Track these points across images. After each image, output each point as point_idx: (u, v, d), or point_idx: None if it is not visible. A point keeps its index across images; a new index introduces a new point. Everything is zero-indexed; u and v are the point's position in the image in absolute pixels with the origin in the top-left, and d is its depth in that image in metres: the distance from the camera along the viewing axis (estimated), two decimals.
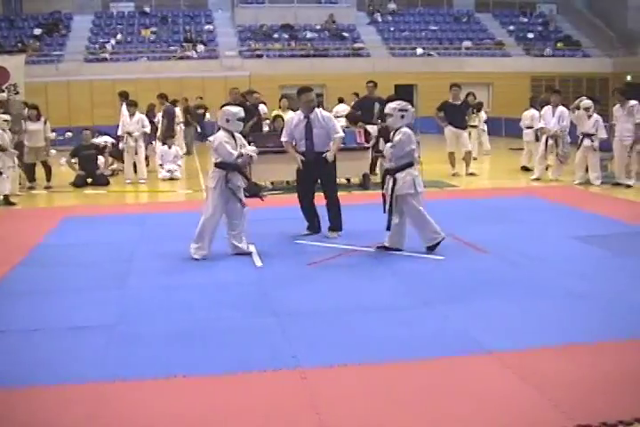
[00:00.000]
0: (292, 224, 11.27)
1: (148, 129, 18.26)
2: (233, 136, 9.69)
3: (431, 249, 9.58)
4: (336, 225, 10.97)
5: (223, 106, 10.49)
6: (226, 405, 5.14)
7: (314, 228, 11.08)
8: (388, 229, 9.59)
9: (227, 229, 9.81)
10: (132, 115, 18.01)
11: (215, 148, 9.56)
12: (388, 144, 9.61)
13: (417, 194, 9.47)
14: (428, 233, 9.58)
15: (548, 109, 17.04)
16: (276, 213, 12.65)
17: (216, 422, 4.91)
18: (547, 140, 16.93)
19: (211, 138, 9.87)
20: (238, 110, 9.71)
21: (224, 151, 9.48)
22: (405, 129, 9.56)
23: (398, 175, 9.46)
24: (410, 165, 9.56)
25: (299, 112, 10.99)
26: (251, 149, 9.91)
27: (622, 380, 5.41)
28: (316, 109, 10.90)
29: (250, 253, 9.69)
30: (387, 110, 9.72)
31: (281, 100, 19.18)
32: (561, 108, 16.86)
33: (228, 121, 9.59)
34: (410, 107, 9.85)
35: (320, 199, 11.05)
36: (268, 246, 10.20)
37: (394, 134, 9.59)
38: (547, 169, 17.41)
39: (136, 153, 17.97)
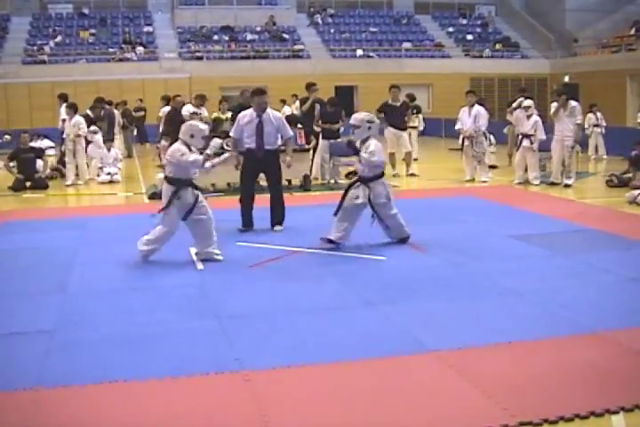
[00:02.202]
0: (233, 226, 11.25)
1: (82, 132, 18.09)
2: (190, 149, 9.32)
3: (403, 241, 10.19)
4: (282, 219, 11.39)
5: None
6: (169, 408, 5.10)
7: (250, 223, 11.41)
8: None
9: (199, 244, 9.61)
10: (70, 118, 17.90)
11: (175, 162, 9.22)
12: (365, 155, 9.79)
13: (389, 201, 9.91)
14: (401, 231, 10.17)
15: (464, 110, 17.13)
16: (218, 216, 12.58)
17: (159, 426, 4.88)
18: (463, 141, 17.08)
19: (169, 152, 9.48)
20: (205, 128, 9.60)
21: (187, 163, 9.18)
22: (375, 139, 9.91)
23: (372, 184, 9.85)
24: (382, 175, 9.99)
25: (250, 111, 11.32)
26: (216, 144, 9.93)
27: (561, 376, 5.48)
28: (268, 110, 11.32)
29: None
30: (354, 122, 9.95)
31: (221, 103, 19.17)
32: (477, 108, 16.97)
33: (192, 136, 9.31)
34: (376, 119, 10.28)
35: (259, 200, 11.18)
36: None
37: (362, 144, 9.92)
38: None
39: (74, 156, 17.88)
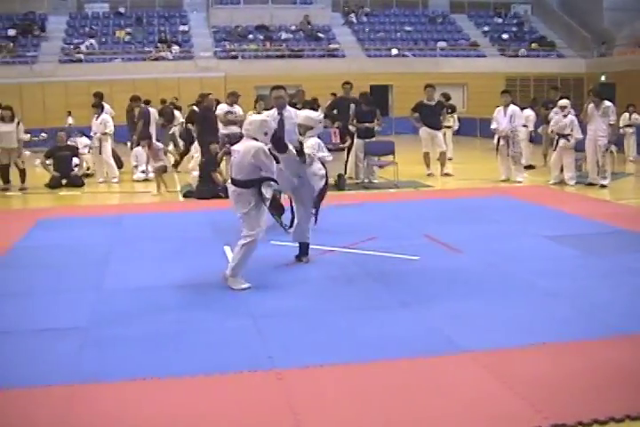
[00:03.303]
0: (268, 225, 11.26)
1: (109, 130, 18.25)
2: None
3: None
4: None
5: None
6: (201, 406, 5.12)
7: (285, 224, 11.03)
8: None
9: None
10: (97, 116, 18.13)
11: (255, 164, 8.24)
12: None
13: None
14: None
15: (499, 110, 17.04)
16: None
17: (191, 423, 4.89)
18: (498, 141, 16.95)
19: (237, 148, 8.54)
20: (275, 126, 9.06)
21: (270, 168, 8.28)
22: (314, 140, 9.39)
23: None
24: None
25: (272, 111, 10.98)
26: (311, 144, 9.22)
27: (596, 378, 5.44)
28: (289, 108, 10.94)
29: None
30: (305, 121, 9.47)
31: (257, 102, 19.18)
32: (512, 108, 16.86)
33: (265, 134, 8.39)
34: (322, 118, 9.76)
35: None
36: None
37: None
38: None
39: (100, 153, 18.09)
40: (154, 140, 17.53)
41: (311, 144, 9.15)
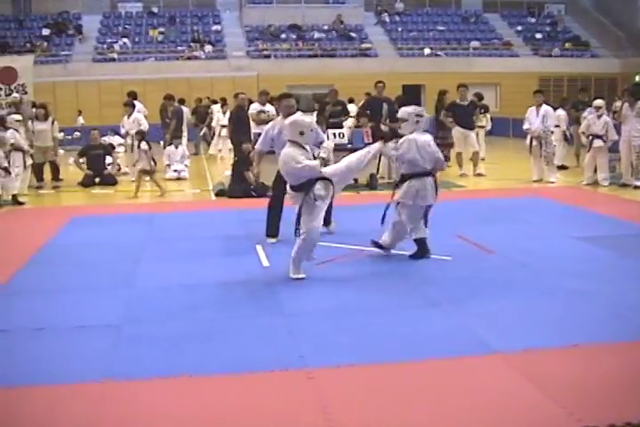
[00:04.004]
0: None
1: (144, 127, 18.35)
2: (303, 147, 8.55)
3: (378, 246, 9.56)
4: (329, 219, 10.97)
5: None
6: (232, 405, 5.14)
7: (276, 233, 10.88)
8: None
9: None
10: (129, 115, 18.23)
11: (291, 172, 8.49)
12: (391, 145, 9.39)
13: (413, 206, 9.24)
14: (394, 243, 9.57)
15: (532, 110, 16.94)
16: (284, 213, 12.65)
17: (222, 422, 4.91)
18: (531, 142, 16.84)
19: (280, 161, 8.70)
20: (311, 121, 8.76)
21: (304, 170, 8.35)
22: (412, 136, 9.22)
23: (407, 182, 9.29)
24: (419, 175, 9.27)
25: (279, 119, 10.69)
26: (327, 146, 9.05)
27: (629, 381, 5.40)
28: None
29: None
30: (401, 115, 9.37)
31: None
32: (545, 108, 16.75)
33: (302, 134, 8.43)
34: (425, 113, 9.49)
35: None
36: (276, 246, 10.22)
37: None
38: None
39: (132, 151, 18.20)
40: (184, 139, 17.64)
41: (328, 147, 9.07)
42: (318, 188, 8.37)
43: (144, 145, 15.91)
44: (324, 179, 8.39)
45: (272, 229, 10.84)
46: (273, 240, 10.74)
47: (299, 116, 8.90)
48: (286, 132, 8.66)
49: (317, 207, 8.40)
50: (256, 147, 10.98)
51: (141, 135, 16.33)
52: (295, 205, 8.57)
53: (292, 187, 8.58)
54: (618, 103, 19.58)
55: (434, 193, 9.38)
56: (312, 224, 8.38)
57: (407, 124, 9.29)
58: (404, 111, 9.39)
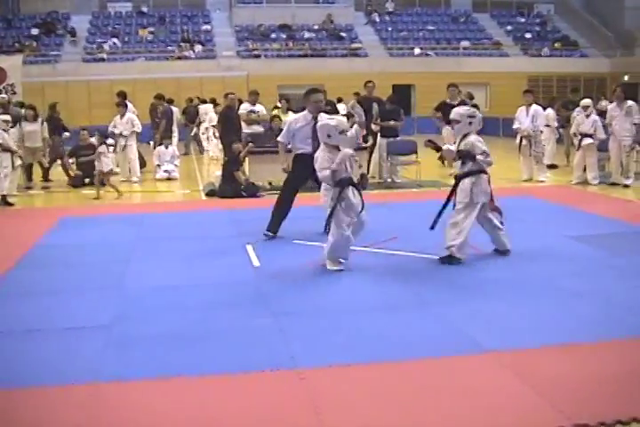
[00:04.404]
0: (289, 224, 11.27)
1: (137, 129, 18.38)
2: (335, 149, 8.76)
3: (443, 260, 9.18)
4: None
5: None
6: (224, 405, 5.13)
7: (276, 231, 10.94)
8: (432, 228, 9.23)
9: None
10: (122, 115, 18.20)
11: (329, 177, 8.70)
12: (451, 147, 9.35)
13: (471, 204, 9.15)
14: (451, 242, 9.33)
15: (522, 109, 17.00)
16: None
17: (214, 422, 4.90)
18: (521, 141, 16.89)
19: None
20: (337, 123, 8.79)
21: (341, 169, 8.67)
22: (473, 137, 9.20)
23: (462, 182, 9.20)
24: (474, 172, 9.17)
25: (304, 113, 10.86)
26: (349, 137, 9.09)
27: (620, 379, 5.41)
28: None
29: None
30: (454, 116, 9.28)
31: (280, 102, 19.24)
32: (534, 108, 16.83)
33: (329, 136, 8.69)
34: (478, 113, 9.39)
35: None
36: (266, 246, 10.21)
37: (460, 141, 9.26)
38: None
39: (124, 151, 18.24)
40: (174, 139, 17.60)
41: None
42: (348, 193, 8.72)
43: (102, 148, 15.87)
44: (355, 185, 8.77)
45: (274, 227, 10.91)
46: (270, 235, 10.82)
47: (326, 119, 8.99)
48: (319, 134, 8.88)
49: (346, 209, 8.69)
50: (279, 139, 11.11)
51: (102, 137, 16.33)
52: (325, 202, 8.82)
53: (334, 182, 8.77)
54: (603, 103, 19.68)
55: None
56: (337, 231, 8.67)
57: (460, 126, 9.24)
58: (455, 113, 9.32)
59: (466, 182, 9.11)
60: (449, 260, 9.10)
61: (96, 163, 15.92)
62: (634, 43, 37.47)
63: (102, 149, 15.85)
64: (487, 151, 9.17)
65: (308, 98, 10.91)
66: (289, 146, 10.99)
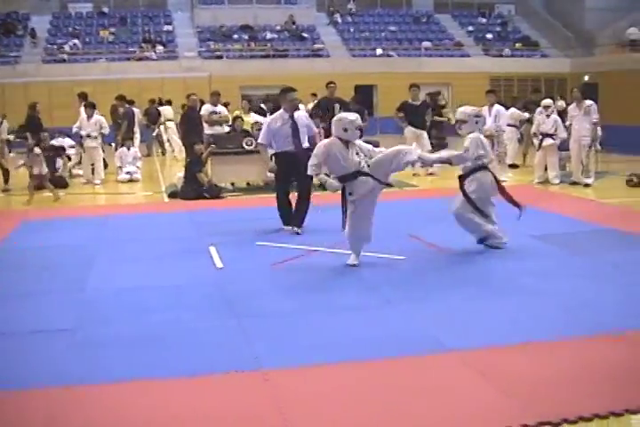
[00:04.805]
0: (253, 225, 11.28)
1: (105, 131, 18.31)
2: (347, 145, 8.94)
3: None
4: (302, 221, 11.22)
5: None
6: (188, 407, 5.11)
7: (290, 220, 11.27)
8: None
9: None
10: (89, 117, 18.06)
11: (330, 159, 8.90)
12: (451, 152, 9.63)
13: (478, 199, 9.61)
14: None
15: (484, 109, 17.10)
16: (237, 215, 12.69)
17: (179, 424, 4.89)
18: None
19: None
20: (355, 118, 8.97)
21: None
22: (474, 134, 9.51)
23: (466, 181, 9.60)
24: (476, 169, 9.56)
25: (281, 112, 11.17)
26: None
27: (581, 376, 5.47)
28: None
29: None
30: (460, 116, 9.67)
31: (242, 102, 19.22)
32: (497, 108, 16.97)
33: (345, 130, 8.85)
34: (482, 113, 9.85)
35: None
36: (229, 248, 10.19)
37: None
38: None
39: (91, 154, 18.10)
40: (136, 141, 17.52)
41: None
42: (357, 183, 8.80)
43: (37, 149, 15.73)
44: (365, 174, 8.78)
45: (286, 220, 11.27)
46: (289, 228, 11.17)
47: (343, 114, 9.33)
48: (334, 127, 8.99)
49: (357, 207, 8.85)
50: (259, 142, 11.38)
51: (37, 140, 16.19)
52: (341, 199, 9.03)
53: (338, 178, 8.93)
54: (559, 102, 19.85)
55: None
56: (347, 231, 8.96)
57: (467, 125, 9.62)
58: (462, 113, 9.71)
59: (470, 180, 9.55)
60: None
61: (33, 166, 15.64)
62: (594, 43, 37.77)
63: (37, 150, 15.65)
64: (483, 153, 9.47)
65: (283, 97, 11.19)
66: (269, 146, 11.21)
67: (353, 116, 8.98)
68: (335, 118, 9.08)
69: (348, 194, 8.86)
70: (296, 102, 11.17)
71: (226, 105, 19.94)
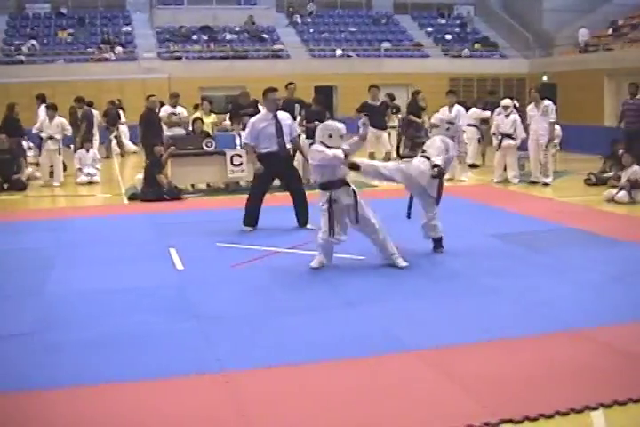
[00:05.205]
0: (213, 227, 11.25)
1: (68, 133, 18.18)
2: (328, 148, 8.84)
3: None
4: (307, 217, 11.34)
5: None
6: (148, 410, 5.09)
7: (256, 223, 11.31)
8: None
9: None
10: (51, 118, 17.90)
11: (318, 164, 8.88)
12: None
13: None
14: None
15: (444, 110, 17.24)
16: (197, 216, 12.66)
17: None
18: None
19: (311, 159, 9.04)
20: (342, 126, 8.97)
21: (329, 159, 8.73)
22: (436, 137, 9.74)
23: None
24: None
25: (264, 113, 11.31)
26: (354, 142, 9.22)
27: (541, 373, 5.51)
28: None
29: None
30: (434, 121, 10.07)
31: (202, 103, 19.12)
32: (457, 108, 17.12)
33: (330, 136, 8.84)
34: (456, 122, 10.24)
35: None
36: (189, 249, 10.14)
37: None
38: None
39: (51, 156, 17.94)
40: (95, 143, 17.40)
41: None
42: (339, 192, 8.89)
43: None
44: (348, 185, 8.96)
45: (249, 221, 11.27)
46: (248, 228, 11.17)
47: (330, 121, 9.41)
48: (319, 133, 8.97)
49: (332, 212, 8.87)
50: (245, 142, 11.48)
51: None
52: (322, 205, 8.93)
53: (319, 185, 8.99)
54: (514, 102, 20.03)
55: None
56: (320, 233, 8.97)
57: (438, 130, 9.90)
58: (436, 118, 10.19)
59: None
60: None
61: None
62: (552, 44, 38.10)
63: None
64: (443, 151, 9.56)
65: (266, 97, 11.30)
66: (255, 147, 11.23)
67: (340, 124, 9.04)
68: (321, 125, 9.11)
69: (333, 201, 8.87)
70: (278, 102, 11.24)
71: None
